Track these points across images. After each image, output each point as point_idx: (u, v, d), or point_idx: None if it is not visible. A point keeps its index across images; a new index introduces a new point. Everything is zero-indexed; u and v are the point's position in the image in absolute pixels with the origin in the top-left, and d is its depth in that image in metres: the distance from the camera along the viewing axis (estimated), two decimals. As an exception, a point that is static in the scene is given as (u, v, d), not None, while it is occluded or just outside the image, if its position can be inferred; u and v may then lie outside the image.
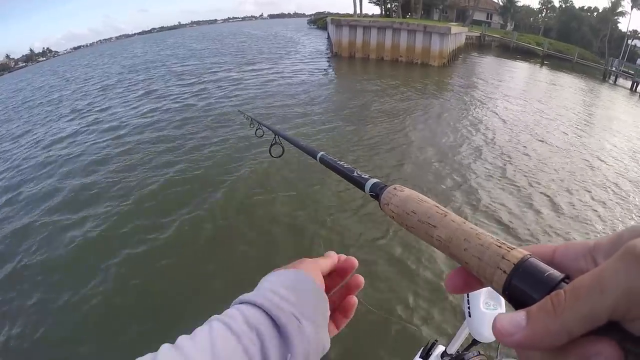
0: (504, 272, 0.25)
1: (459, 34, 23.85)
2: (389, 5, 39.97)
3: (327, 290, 0.46)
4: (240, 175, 6.08)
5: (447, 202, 5.40)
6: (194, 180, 6.01)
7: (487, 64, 24.37)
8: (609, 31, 41.07)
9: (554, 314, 0.20)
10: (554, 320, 0.20)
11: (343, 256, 0.51)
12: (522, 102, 13.06)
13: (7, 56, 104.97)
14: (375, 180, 0.46)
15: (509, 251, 0.25)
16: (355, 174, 0.51)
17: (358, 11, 30.64)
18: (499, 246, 0.26)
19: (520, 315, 0.21)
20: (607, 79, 24.75)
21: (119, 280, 3.89)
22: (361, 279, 0.51)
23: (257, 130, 1.98)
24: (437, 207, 0.34)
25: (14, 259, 4.45)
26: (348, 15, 30.77)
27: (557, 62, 28.79)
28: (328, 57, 21.65)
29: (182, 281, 3.84)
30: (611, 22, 41.62)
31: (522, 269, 0.24)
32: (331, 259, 0.49)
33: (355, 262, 0.51)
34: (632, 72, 22.63)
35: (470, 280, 0.29)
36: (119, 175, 6.35)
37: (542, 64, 27.62)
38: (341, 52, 21.49)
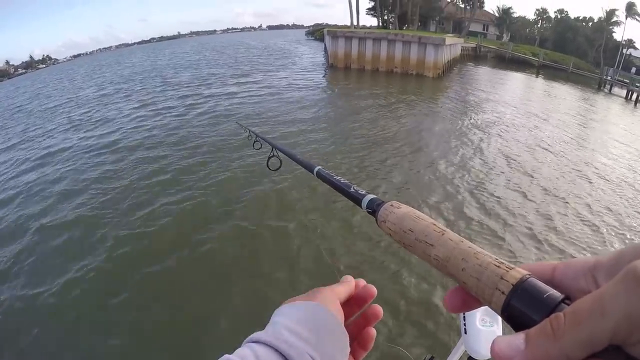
0: (503, 293, 0.24)
1: (454, 45, 24.09)
2: (386, 17, 40.49)
3: (344, 318, 0.42)
4: (243, 196, 5.80)
5: (448, 214, 5.39)
6: (193, 198, 5.76)
7: (483, 74, 24.59)
8: (604, 41, 41.52)
9: (554, 338, 0.19)
10: (554, 344, 0.19)
11: (362, 282, 0.48)
12: (519, 111, 13.17)
13: (7, 62, 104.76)
14: (372, 196, 0.44)
15: (507, 271, 0.25)
16: (352, 189, 0.49)
17: (355, 23, 30.94)
18: (498, 266, 0.26)
19: (519, 338, 0.21)
20: (602, 88, 25.01)
21: (118, 312, 3.65)
22: (380, 309, 0.47)
23: (254, 142, 1.98)
24: (435, 224, 0.33)
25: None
26: (345, 27, 31.05)
27: (552, 72, 29.11)
28: (324, 69, 21.77)
29: (187, 319, 3.53)
30: (606, 32, 42.13)
31: (521, 290, 0.24)
32: (349, 285, 0.46)
33: (374, 290, 0.47)
34: (627, 81, 22.91)
35: (469, 299, 0.29)
36: (115, 193, 6.11)
37: (537, 74, 27.91)
38: (337, 63, 21.58)
